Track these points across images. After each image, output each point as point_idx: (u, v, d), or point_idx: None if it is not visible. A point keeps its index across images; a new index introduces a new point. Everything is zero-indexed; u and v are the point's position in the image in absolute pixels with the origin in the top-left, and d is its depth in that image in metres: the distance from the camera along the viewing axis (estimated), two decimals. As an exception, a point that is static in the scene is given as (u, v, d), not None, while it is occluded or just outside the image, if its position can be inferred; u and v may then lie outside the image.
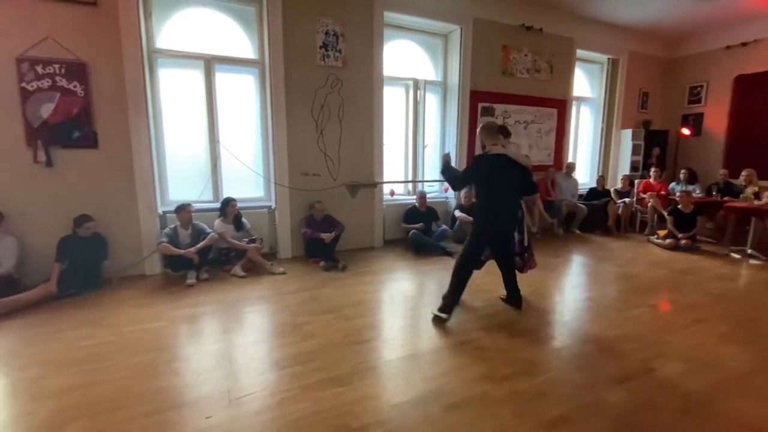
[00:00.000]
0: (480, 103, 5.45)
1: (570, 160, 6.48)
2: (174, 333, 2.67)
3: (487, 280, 3.71)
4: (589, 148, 7.02)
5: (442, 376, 2.16)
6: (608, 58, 6.63)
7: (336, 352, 2.38)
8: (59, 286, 3.17)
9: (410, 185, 5.48)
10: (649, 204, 5.80)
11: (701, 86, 6.75)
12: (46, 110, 3.38)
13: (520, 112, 5.81)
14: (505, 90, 5.62)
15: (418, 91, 5.22)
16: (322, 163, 4.55)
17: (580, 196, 6.28)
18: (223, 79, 4.21)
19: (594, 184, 6.35)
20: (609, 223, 5.95)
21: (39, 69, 3.33)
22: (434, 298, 3.31)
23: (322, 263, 4.07)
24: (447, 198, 5.61)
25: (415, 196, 5.08)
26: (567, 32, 5.93)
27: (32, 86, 3.33)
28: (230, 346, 2.48)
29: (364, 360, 2.32)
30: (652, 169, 6.14)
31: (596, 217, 5.94)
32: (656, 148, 6.93)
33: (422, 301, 3.29)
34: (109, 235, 3.59)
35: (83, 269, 3.35)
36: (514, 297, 3.10)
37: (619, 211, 6.01)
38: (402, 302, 3.27)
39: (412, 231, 4.72)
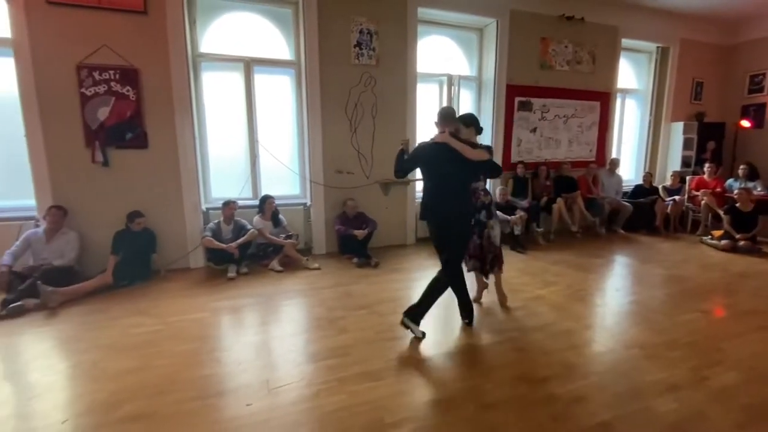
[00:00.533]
0: (517, 97, 5.29)
1: (613, 155, 6.16)
2: (216, 323, 2.81)
3: (522, 280, 3.63)
4: (635, 143, 6.64)
5: (477, 376, 2.13)
6: (657, 47, 6.23)
7: (370, 348, 2.41)
8: (114, 277, 3.42)
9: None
10: (703, 202, 5.41)
11: (763, 74, 6.19)
12: (103, 113, 3.64)
13: (559, 106, 5.59)
14: (544, 83, 5.42)
15: (452, 87, 5.14)
16: (355, 161, 4.60)
17: (625, 193, 5.95)
18: (261, 80, 4.35)
19: (640, 181, 6.00)
20: (656, 223, 5.61)
21: (96, 75, 3.59)
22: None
23: (355, 260, 4.13)
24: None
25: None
26: (611, 20, 5.62)
27: (90, 91, 3.59)
28: (268, 338, 2.57)
29: (398, 356, 2.33)
30: (707, 165, 5.72)
31: (642, 216, 5.61)
32: (711, 142, 6.43)
33: (454, 300, 3.25)
34: (158, 230, 3.82)
35: (135, 262, 3.58)
36: (463, 309, 2.74)
37: (668, 209, 5.65)
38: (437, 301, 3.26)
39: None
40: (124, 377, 2.10)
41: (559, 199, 5.17)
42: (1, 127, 3.62)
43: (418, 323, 2.54)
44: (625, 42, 5.86)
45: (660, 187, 5.97)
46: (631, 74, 6.37)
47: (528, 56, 5.27)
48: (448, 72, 5.10)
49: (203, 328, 2.72)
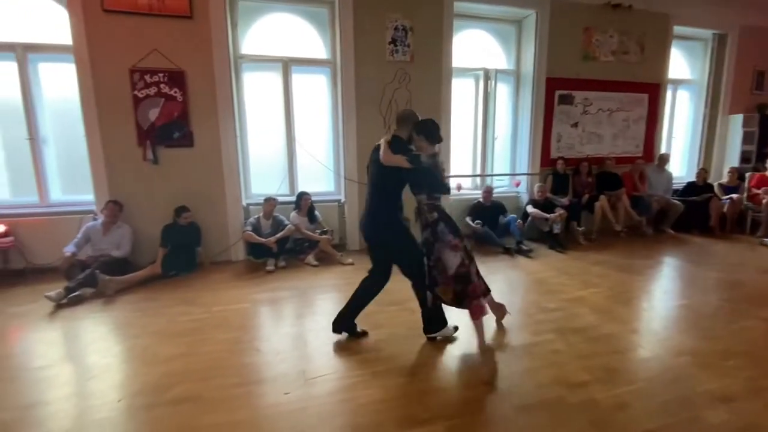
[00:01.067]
0: (557, 90, 5.10)
1: (663, 151, 5.79)
2: (256, 314, 2.93)
3: (561, 281, 3.51)
4: (687, 137, 6.20)
5: (512, 376, 2.09)
6: (713, 34, 5.77)
7: (403, 343, 2.42)
8: (163, 268, 3.64)
9: (478, 179, 5.32)
10: (765, 201, 4.97)
11: (840, 60, 5.59)
12: (153, 114, 3.87)
13: (603, 99, 5.32)
14: (587, 76, 5.18)
15: (489, 82, 5.03)
16: (389, 158, 4.61)
17: (675, 191, 5.59)
18: (298, 79, 4.46)
19: (693, 178, 5.61)
20: (711, 223, 5.22)
21: (147, 78, 3.81)
22: (503, 295, 3.21)
23: (388, 256, 4.14)
24: (518, 193, 5.36)
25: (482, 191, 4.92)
26: (662, 7, 5.27)
27: (142, 93, 3.82)
28: (305, 330, 2.65)
29: (431, 353, 2.33)
30: (769, 161, 5.26)
31: (695, 215, 5.25)
32: (776, 136, 5.90)
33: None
34: (202, 224, 4.02)
35: (182, 254, 3.80)
36: (338, 318, 2.50)
37: (724, 208, 5.24)
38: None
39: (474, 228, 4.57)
40: (172, 361, 2.24)
41: (602, 197, 4.94)
42: (63, 129, 3.94)
43: (445, 323, 2.47)
44: (678, 29, 5.47)
45: (715, 184, 5.54)
46: (683, 64, 5.95)
47: (570, 48, 5.05)
48: (484, 66, 4.99)
49: (244, 318, 2.84)
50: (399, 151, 2.23)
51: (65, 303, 3.04)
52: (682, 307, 2.98)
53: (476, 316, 2.31)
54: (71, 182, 4.04)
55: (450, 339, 2.48)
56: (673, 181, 5.61)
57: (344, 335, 2.51)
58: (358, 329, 2.53)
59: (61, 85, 3.84)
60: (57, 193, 4.03)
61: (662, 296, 3.23)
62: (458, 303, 2.35)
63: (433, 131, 2.32)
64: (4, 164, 3.90)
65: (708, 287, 3.38)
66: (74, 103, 3.74)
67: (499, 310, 2.65)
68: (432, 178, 2.31)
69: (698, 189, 5.43)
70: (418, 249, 2.41)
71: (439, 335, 2.47)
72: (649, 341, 2.47)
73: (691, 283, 3.51)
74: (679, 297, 3.19)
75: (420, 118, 2.38)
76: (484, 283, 2.48)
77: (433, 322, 2.47)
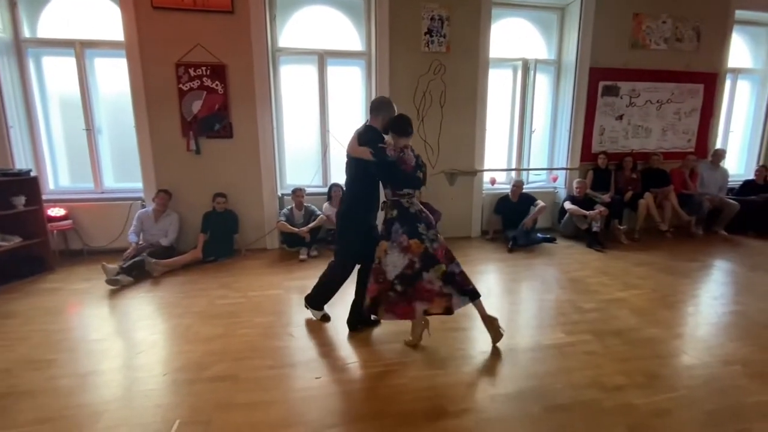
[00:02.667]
0: (601, 81, 4.85)
1: (718, 146, 5.38)
2: (289, 300, 3.02)
3: (600, 280, 3.37)
4: (747, 131, 5.73)
5: (546, 375, 2.04)
6: (782, 18, 5.27)
7: (433, 336, 2.41)
8: (203, 253, 3.83)
9: (513, 174, 5.18)
10: (836, 202, 4.52)
11: None
12: (196, 106, 4.05)
13: (652, 90, 5.00)
14: (635, 65, 4.89)
15: (528, 72, 4.86)
16: (421, 151, 4.58)
17: (731, 189, 5.19)
18: (333, 72, 4.50)
19: (751, 176, 5.19)
20: (770, 224, 4.82)
21: (191, 72, 3.98)
22: (537, 293, 3.13)
23: (419, 249, 4.14)
24: (556, 188, 5.17)
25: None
26: (723, -11, 4.87)
27: (186, 86, 4.00)
28: (336, 318, 2.70)
29: (461, 347, 2.32)
30: None
31: (753, 216, 4.86)
32: None
33: (519, 296, 3.13)
34: (239, 213, 4.19)
35: (220, 240, 3.98)
36: (311, 295, 2.64)
37: (787, 209, 4.82)
38: (499, 295, 3.15)
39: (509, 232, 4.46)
40: (212, 341, 2.37)
41: (647, 194, 4.67)
42: (115, 120, 4.20)
43: (320, 308, 2.63)
44: (739, 14, 5.03)
45: (777, 183, 5.10)
46: (745, 51, 5.47)
47: (617, 35, 4.78)
48: (523, 56, 4.82)
49: (278, 303, 2.94)
50: (366, 143, 2.24)
51: (116, 282, 3.23)
52: (734, 313, 2.78)
53: (405, 317, 2.23)
54: (122, 171, 4.31)
55: (486, 333, 2.45)
56: (729, 179, 5.21)
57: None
58: (372, 317, 2.53)
59: (114, 79, 4.10)
60: (110, 181, 4.32)
61: (711, 301, 3.02)
62: (373, 308, 2.25)
63: (402, 126, 2.28)
64: (65, 153, 4.23)
65: (764, 293, 3.13)
66: (125, 96, 3.97)
67: (491, 324, 2.29)
68: (395, 173, 2.23)
69: (757, 188, 5.02)
70: (356, 250, 2.44)
71: (311, 311, 2.65)
72: (695, 348, 2.33)
73: (745, 289, 3.26)
74: (730, 303, 2.98)
75: (395, 108, 2.39)
76: (460, 287, 2.26)
77: (314, 298, 2.63)
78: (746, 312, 2.79)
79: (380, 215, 2.41)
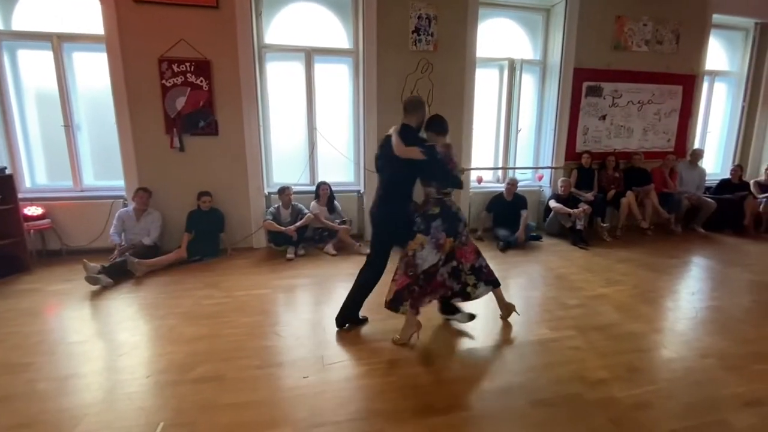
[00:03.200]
0: (585, 82, 4.93)
1: (696, 146, 5.54)
2: (276, 300, 2.99)
3: (583, 277, 3.44)
4: (723, 132, 5.91)
5: (530, 370, 2.08)
6: (755, 23, 5.44)
7: (421, 334, 2.43)
8: (188, 252, 3.77)
9: (500, 172, 5.24)
10: (806, 200, 4.71)
11: None
12: (180, 103, 3.96)
13: (634, 90, 5.12)
14: (617, 66, 4.99)
15: (514, 72, 4.91)
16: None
17: (708, 188, 5.36)
18: (320, 69, 4.47)
19: (727, 175, 5.36)
20: (745, 222, 4.99)
21: (175, 67, 3.90)
22: (522, 290, 3.18)
23: (406, 247, 4.15)
24: (541, 187, 5.25)
25: (503, 184, 4.83)
26: (701, -6, 5.01)
27: (169, 83, 3.92)
28: (323, 317, 2.69)
29: (449, 344, 2.34)
30: (814, 158, 4.96)
31: (728, 214, 5.02)
32: (821, 132, 5.56)
33: (506, 293, 3.14)
34: (225, 212, 4.12)
35: (205, 239, 3.92)
36: (341, 313, 2.50)
37: (761, 207, 4.99)
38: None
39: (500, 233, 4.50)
40: (197, 342, 2.33)
41: (629, 193, 4.79)
42: (95, 117, 4.09)
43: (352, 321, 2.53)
44: (717, 18, 5.19)
45: (751, 182, 5.27)
46: (722, 54, 5.65)
47: (600, 37, 4.87)
48: (509, 56, 4.87)
49: (265, 303, 2.91)
50: (412, 143, 2.22)
51: (95, 280, 3.13)
52: (711, 308, 2.87)
53: (413, 310, 2.29)
54: (103, 168, 4.20)
55: (470, 329, 2.49)
56: (707, 178, 5.37)
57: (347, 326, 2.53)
58: (360, 316, 2.57)
59: (93, 73, 3.98)
60: (90, 179, 4.21)
61: (689, 296, 3.12)
62: (395, 302, 2.30)
63: (441, 124, 2.35)
64: (41, 150, 4.09)
65: (739, 289, 3.25)
66: (106, 92, 3.87)
67: (507, 309, 2.60)
68: (444, 171, 2.28)
69: (733, 187, 5.19)
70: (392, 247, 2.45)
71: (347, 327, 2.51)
72: (674, 342, 2.40)
73: (721, 284, 3.37)
74: (707, 298, 3.08)
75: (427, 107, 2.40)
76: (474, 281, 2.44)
77: (345, 318, 2.50)
78: (722, 307, 2.88)
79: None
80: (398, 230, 2.37)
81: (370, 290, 2.51)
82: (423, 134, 2.37)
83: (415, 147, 2.21)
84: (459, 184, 2.37)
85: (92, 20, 3.80)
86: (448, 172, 2.29)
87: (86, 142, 4.14)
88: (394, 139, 2.24)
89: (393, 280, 2.36)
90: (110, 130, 3.96)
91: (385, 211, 2.38)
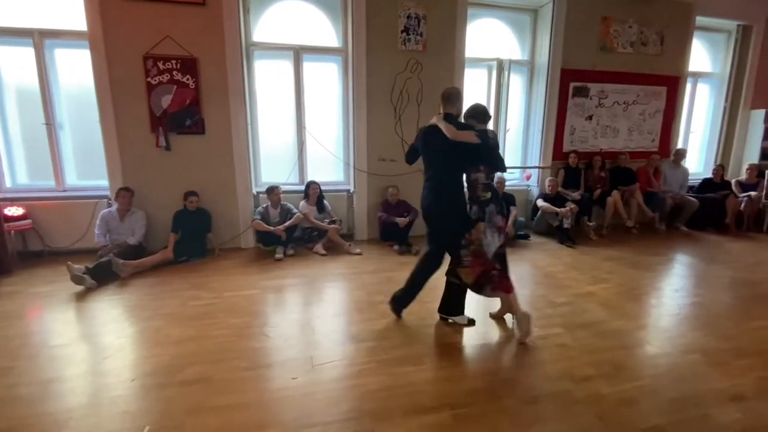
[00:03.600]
0: (572, 82, 5.00)
1: (680, 146, 5.66)
2: (264, 300, 2.97)
3: (570, 275, 3.49)
4: (706, 132, 6.05)
5: (519, 368, 2.10)
6: (738, 25, 5.58)
7: (410, 333, 2.44)
8: (175, 253, 3.71)
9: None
10: (784, 199, 4.85)
11: None
12: (166, 101, 3.90)
13: (619, 91, 5.20)
14: (603, 67, 5.06)
15: (502, 72, 4.95)
16: (398, 149, 4.59)
17: (691, 187, 5.48)
18: (309, 68, 4.44)
19: (709, 175, 5.49)
20: (727, 220, 5.12)
21: (160, 65, 3.83)
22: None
23: (395, 247, 4.16)
24: (528, 186, 5.30)
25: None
26: (685, -3, 5.12)
27: (155, 80, 3.85)
28: (312, 317, 2.68)
29: (438, 343, 2.34)
30: (792, 158, 5.11)
31: (710, 212, 5.15)
32: (799, 132, 5.72)
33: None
34: (212, 211, 4.07)
35: (192, 240, 3.86)
36: (399, 297, 2.58)
37: (742, 206, 5.12)
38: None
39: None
40: (184, 344, 2.30)
41: (615, 192, 4.87)
42: (79, 115, 3.99)
43: (401, 309, 2.61)
44: (700, 20, 5.31)
45: (733, 181, 5.41)
46: (705, 56, 5.77)
47: (586, 38, 4.94)
48: (498, 56, 4.91)
49: (254, 304, 2.88)
50: (462, 128, 2.30)
51: (81, 280, 3.06)
52: (694, 305, 2.94)
53: (509, 291, 2.40)
54: (86, 168, 4.11)
55: (459, 327, 2.50)
56: (690, 178, 5.49)
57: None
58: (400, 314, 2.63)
59: (76, 71, 3.89)
60: (72, 178, 4.11)
61: (673, 293, 3.18)
62: (478, 288, 2.42)
63: (483, 112, 2.44)
64: (22, 148, 3.98)
65: (721, 286, 3.33)
66: (89, 90, 3.78)
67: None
68: (497, 155, 2.37)
69: (715, 186, 5.32)
70: (465, 231, 2.45)
71: (451, 320, 2.57)
72: (658, 338, 2.45)
73: (704, 281, 3.45)
74: (690, 295, 3.15)
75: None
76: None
77: (451, 305, 2.57)
78: (704, 303, 2.95)
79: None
80: (460, 220, 2.41)
81: (424, 283, 2.55)
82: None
83: (469, 131, 2.26)
84: (505, 168, 2.47)
85: (75, 16, 3.71)
86: (498, 155, 2.38)
87: (69, 140, 4.05)
88: (443, 126, 2.28)
89: (464, 268, 2.41)
90: (94, 129, 3.88)
91: (443, 198, 2.40)
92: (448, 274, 2.56)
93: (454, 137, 2.24)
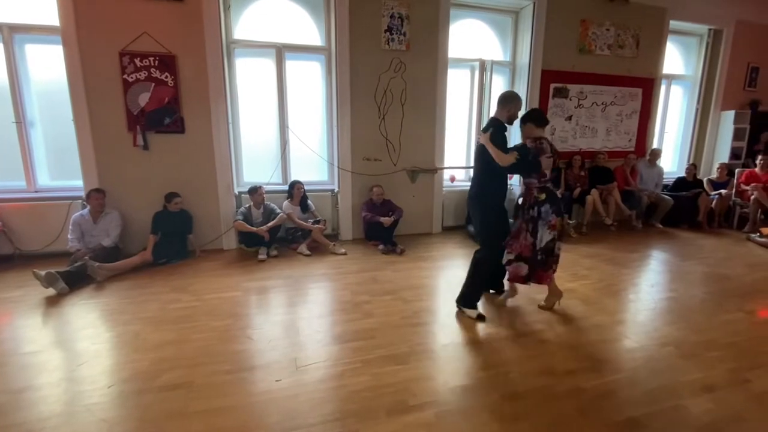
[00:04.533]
0: (552, 83, 5.09)
1: (655, 146, 5.84)
2: (247, 302, 2.92)
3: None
4: (679, 132, 6.26)
5: (501, 365, 2.13)
6: (709, 29, 5.79)
7: (394, 332, 2.44)
8: (154, 255, 3.62)
9: (471, 171, 5.31)
10: (753, 197, 5.06)
11: (832, 58, 5.65)
12: (143, 99, 3.79)
13: (598, 92, 5.33)
14: (582, 69, 5.18)
15: (485, 73, 5.01)
16: (383, 148, 4.60)
17: (665, 186, 5.66)
18: (292, 66, 4.39)
19: (682, 174, 5.68)
20: (699, 218, 5.31)
21: (137, 62, 3.73)
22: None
23: (380, 246, 4.16)
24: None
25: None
26: (659, 1, 5.27)
27: (132, 78, 3.74)
28: (296, 318, 2.65)
29: (422, 342, 2.35)
30: (759, 157, 5.33)
31: (684, 210, 5.33)
32: (766, 133, 5.98)
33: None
34: (193, 212, 3.99)
35: (173, 241, 3.77)
36: (465, 297, 2.74)
37: (713, 204, 5.32)
38: (458, 289, 3.23)
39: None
40: (163, 348, 2.24)
41: (593, 191, 4.98)
42: (51, 113, 3.85)
43: (472, 307, 2.71)
44: (674, 24, 5.49)
45: (704, 180, 5.62)
46: (678, 59, 5.97)
47: (566, 40, 5.04)
48: (480, 57, 4.96)
49: (236, 306, 2.84)
50: (497, 141, 2.48)
51: (54, 281, 2.96)
52: (668, 299, 3.04)
53: (547, 282, 2.71)
54: (59, 168, 3.96)
55: (443, 326, 2.51)
56: (664, 176, 5.67)
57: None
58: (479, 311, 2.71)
59: (48, 67, 3.75)
60: (45, 179, 3.96)
61: (649, 289, 3.28)
62: (526, 278, 2.69)
63: (541, 117, 2.69)
64: (-11, 148, 3.82)
65: (694, 281, 3.45)
66: (62, 86, 3.65)
67: (557, 294, 2.83)
68: (525, 165, 2.56)
69: (688, 184, 5.51)
70: (501, 227, 2.71)
71: (465, 310, 2.70)
72: (635, 332, 2.52)
73: (678, 277, 3.57)
74: (665, 290, 3.25)
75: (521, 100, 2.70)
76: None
77: (467, 298, 2.72)
78: (679, 298, 3.05)
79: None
80: (480, 209, 2.67)
81: (484, 278, 2.74)
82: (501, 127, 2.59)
83: (512, 154, 2.48)
84: (539, 172, 2.59)
85: (46, 10, 3.57)
86: (538, 165, 2.56)
87: (40, 139, 3.90)
88: (490, 149, 2.47)
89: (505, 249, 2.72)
90: (67, 127, 3.74)
91: (474, 193, 2.70)
92: (475, 261, 2.73)
93: (502, 162, 2.47)
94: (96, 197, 3.59)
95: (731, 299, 3.03)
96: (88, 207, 3.61)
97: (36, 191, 3.89)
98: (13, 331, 2.50)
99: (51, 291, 2.97)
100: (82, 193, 3.80)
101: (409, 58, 4.47)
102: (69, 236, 3.52)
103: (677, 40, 5.82)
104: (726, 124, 5.93)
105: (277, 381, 1.95)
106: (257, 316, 2.73)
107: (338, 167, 4.50)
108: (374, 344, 2.30)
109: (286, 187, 4.30)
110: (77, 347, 2.29)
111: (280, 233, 4.16)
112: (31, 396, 1.84)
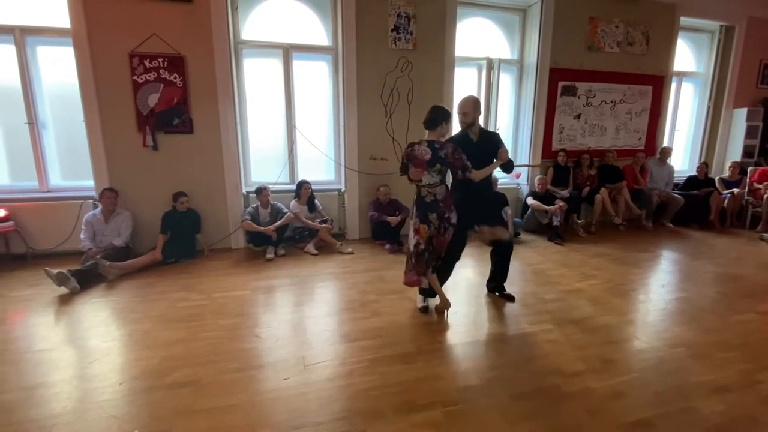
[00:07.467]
0: (560, 81, 5.05)
1: (665, 144, 5.76)
2: (255, 301, 2.94)
3: (559, 272, 3.53)
4: (690, 130, 6.17)
5: (509, 365, 2.11)
6: (720, 26, 5.70)
7: (402, 332, 2.44)
8: (163, 254, 3.66)
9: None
10: (765, 196, 4.97)
11: None
12: (153, 100, 3.84)
13: (607, 90, 5.28)
14: (591, 67, 5.13)
15: (492, 71, 4.98)
16: (390, 148, 4.59)
17: (676, 185, 5.58)
18: (299, 66, 4.41)
19: (693, 172, 5.60)
20: (711, 217, 5.23)
21: (147, 63, 3.77)
22: (502, 287, 3.23)
23: (387, 246, 4.16)
24: (518, 184, 5.35)
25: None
26: (669, -3, 5.20)
27: (141, 79, 3.79)
28: (304, 317, 2.67)
29: (429, 341, 2.35)
30: (772, 155, 5.24)
31: (695, 209, 5.25)
32: (779, 131, 5.87)
33: (485, 289, 3.21)
34: (201, 212, 4.02)
35: (181, 241, 3.81)
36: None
37: (725, 203, 5.24)
38: (465, 289, 3.23)
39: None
40: (173, 346, 2.27)
41: (602, 190, 4.93)
42: (62, 114, 3.91)
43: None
44: (684, 21, 5.40)
45: (716, 178, 5.53)
46: (689, 56, 5.88)
47: (574, 38, 4.99)
48: (487, 55, 4.93)
49: (244, 304, 2.86)
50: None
51: (65, 280, 3.00)
52: (679, 299, 3.00)
53: (409, 283, 2.60)
54: (71, 168, 4.02)
55: (450, 324, 2.51)
56: (675, 175, 5.59)
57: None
58: (506, 291, 2.96)
59: (60, 69, 3.81)
60: (57, 179, 4.02)
61: (659, 289, 3.24)
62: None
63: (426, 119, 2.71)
64: (3, 148, 3.89)
65: (706, 281, 3.40)
66: (73, 88, 3.70)
67: (444, 303, 2.68)
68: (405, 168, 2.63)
69: (699, 183, 5.43)
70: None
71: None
72: (645, 332, 2.49)
73: (689, 277, 3.52)
74: (676, 290, 3.21)
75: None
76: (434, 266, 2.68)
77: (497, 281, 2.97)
78: (690, 298, 3.01)
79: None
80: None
81: (507, 263, 2.92)
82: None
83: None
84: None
85: (58, 13, 3.62)
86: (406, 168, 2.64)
87: (52, 140, 3.96)
88: (487, 170, 2.67)
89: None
90: (78, 128, 3.80)
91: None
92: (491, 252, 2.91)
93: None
94: (109, 196, 3.63)
95: (743, 300, 2.98)
96: (100, 207, 3.66)
97: (48, 191, 3.95)
98: (26, 329, 2.54)
99: (63, 289, 3.02)
100: (93, 193, 3.85)
101: (415, 57, 4.46)
102: (81, 236, 3.57)
103: (688, 37, 5.74)
104: (738, 121, 5.83)
105: (284, 379, 1.96)
106: (265, 315, 2.75)
107: (345, 167, 4.51)
108: (381, 343, 2.30)
109: (293, 187, 4.32)
110: (88, 345, 2.32)
111: (287, 233, 4.18)
112: (43, 393, 1.87)
